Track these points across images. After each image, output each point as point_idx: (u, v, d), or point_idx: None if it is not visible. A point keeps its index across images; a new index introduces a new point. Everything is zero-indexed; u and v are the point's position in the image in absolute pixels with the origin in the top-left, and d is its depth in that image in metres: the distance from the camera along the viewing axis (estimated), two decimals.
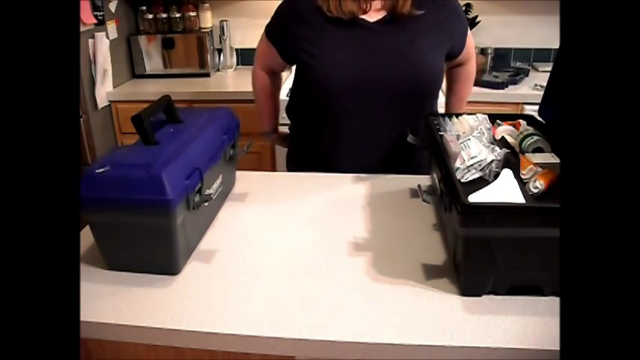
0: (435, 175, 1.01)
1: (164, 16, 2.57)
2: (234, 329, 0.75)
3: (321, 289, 0.83)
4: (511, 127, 1.05)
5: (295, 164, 1.41)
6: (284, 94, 2.00)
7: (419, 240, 0.97)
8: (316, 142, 1.31)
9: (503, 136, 1.03)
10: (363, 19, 1.20)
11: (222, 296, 0.82)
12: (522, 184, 0.84)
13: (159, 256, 0.86)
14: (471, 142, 0.91)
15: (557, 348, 0.51)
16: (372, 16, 1.21)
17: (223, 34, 2.66)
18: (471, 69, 1.43)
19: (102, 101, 2.31)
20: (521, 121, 1.06)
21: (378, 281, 0.85)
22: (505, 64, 2.51)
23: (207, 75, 2.61)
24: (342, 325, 0.75)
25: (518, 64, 2.58)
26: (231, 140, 1.10)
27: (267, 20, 1.35)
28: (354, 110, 1.22)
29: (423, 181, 1.13)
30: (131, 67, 2.61)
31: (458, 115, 1.09)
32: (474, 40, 1.38)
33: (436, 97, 1.31)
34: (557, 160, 0.89)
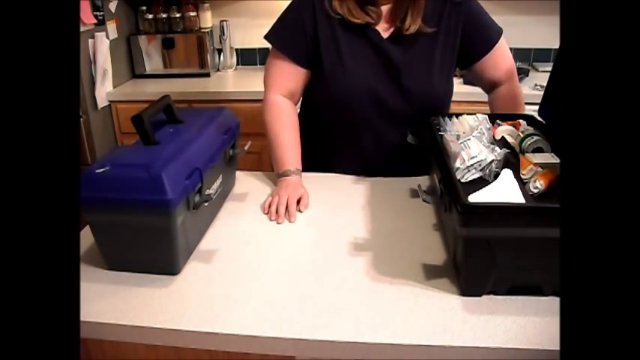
0: (435, 175, 1.01)
1: (164, 16, 2.57)
2: (234, 329, 0.75)
3: (321, 289, 0.83)
4: (511, 127, 1.05)
5: None
6: None
7: (419, 240, 0.96)
8: (323, 152, 1.30)
9: (503, 136, 1.03)
10: (377, 32, 1.18)
11: (222, 296, 0.82)
12: (522, 184, 0.83)
13: (159, 256, 0.86)
14: (471, 142, 0.91)
15: (557, 348, 0.51)
16: (384, 32, 1.19)
17: (223, 34, 2.66)
18: (511, 91, 1.27)
19: (102, 101, 2.31)
20: (521, 121, 1.06)
21: (378, 281, 0.85)
22: None
23: (207, 75, 2.61)
24: (342, 325, 0.75)
25: (519, 64, 2.57)
26: (231, 140, 1.10)
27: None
28: (362, 123, 1.22)
29: (423, 181, 1.13)
30: (131, 67, 2.61)
31: (458, 115, 1.09)
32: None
33: (446, 112, 1.27)
34: (557, 160, 0.89)
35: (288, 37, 1.22)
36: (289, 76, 1.24)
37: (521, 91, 1.30)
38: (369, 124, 1.22)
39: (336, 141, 1.28)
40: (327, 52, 1.19)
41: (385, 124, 1.22)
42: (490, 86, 1.30)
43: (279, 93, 1.25)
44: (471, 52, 1.24)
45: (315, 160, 1.28)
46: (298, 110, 1.32)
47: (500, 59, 1.26)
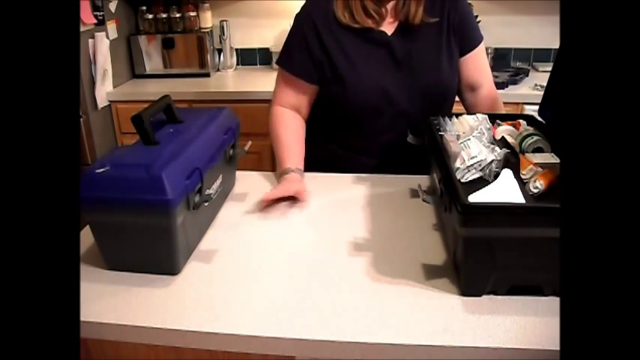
0: (435, 175, 1.01)
1: (164, 16, 2.58)
2: (234, 329, 0.75)
3: (321, 289, 0.83)
4: (511, 127, 1.05)
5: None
6: None
7: (419, 240, 0.96)
8: (334, 151, 1.31)
9: (503, 136, 1.03)
10: (381, 32, 1.21)
11: (222, 296, 0.82)
12: (522, 184, 0.83)
13: (159, 256, 0.86)
14: (471, 142, 0.91)
15: (557, 348, 0.51)
16: (388, 28, 1.21)
17: (223, 34, 2.66)
18: (493, 93, 1.30)
19: (102, 101, 2.31)
20: (521, 121, 1.06)
21: (378, 281, 0.85)
22: (505, 64, 2.51)
23: (207, 75, 2.61)
24: (342, 325, 0.75)
25: (518, 64, 2.58)
26: (231, 140, 1.10)
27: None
28: (379, 122, 1.24)
29: (423, 181, 1.13)
30: (131, 67, 2.61)
31: (458, 115, 1.10)
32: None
33: (453, 101, 1.30)
34: (557, 160, 0.89)
35: (294, 58, 1.26)
36: (294, 93, 1.28)
37: (496, 95, 1.33)
38: (387, 122, 1.24)
39: (356, 141, 1.29)
40: (339, 62, 1.21)
41: (400, 121, 1.23)
42: (468, 87, 1.31)
43: (283, 107, 1.29)
44: (467, 43, 1.26)
45: (334, 159, 1.29)
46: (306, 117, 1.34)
47: (481, 60, 1.30)
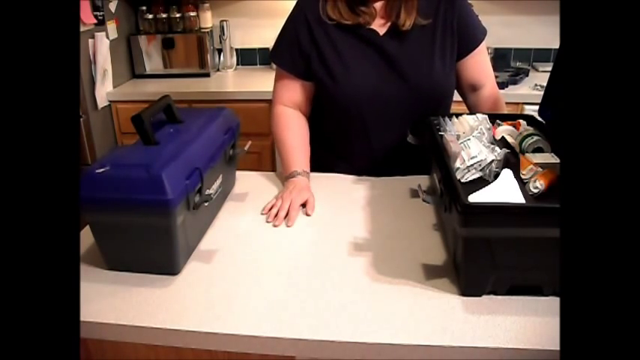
0: (435, 175, 1.01)
1: (164, 16, 2.58)
2: (234, 329, 0.75)
3: (321, 289, 0.83)
4: (511, 127, 1.05)
5: None
6: None
7: (419, 240, 0.96)
8: (328, 156, 1.31)
9: (503, 136, 1.03)
10: (373, 32, 1.20)
11: (222, 296, 0.82)
12: (522, 184, 0.83)
13: (159, 256, 0.86)
14: (471, 142, 0.91)
15: (557, 348, 0.51)
16: (380, 29, 1.20)
17: (223, 34, 2.66)
18: (495, 93, 1.29)
19: (102, 101, 2.31)
20: (521, 121, 1.06)
21: (378, 281, 0.85)
22: (505, 64, 2.51)
23: (207, 75, 2.61)
24: (342, 325, 0.75)
25: (518, 64, 2.58)
26: (231, 140, 1.10)
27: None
28: (368, 123, 1.23)
29: (423, 181, 1.13)
30: (131, 67, 2.61)
31: (458, 115, 1.10)
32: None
33: (449, 103, 1.29)
34: (557, 160, 0.89)
35: (285, 54, 1.26)
36: (291, 90, 1.28)
37: (497, 95, 1.32)
38: (376, 123, 1.23)
39: (343, 144, 1.28)
40: (329, 57, 1.21)
41: (392, 122, 1.22)
42: (469, 87, 1.30)
43: (285, 105, 1.29)
44: (458, 50, 1.24)
45: (320, 164, 1.28)
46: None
47: (482, 60, 1.28)
